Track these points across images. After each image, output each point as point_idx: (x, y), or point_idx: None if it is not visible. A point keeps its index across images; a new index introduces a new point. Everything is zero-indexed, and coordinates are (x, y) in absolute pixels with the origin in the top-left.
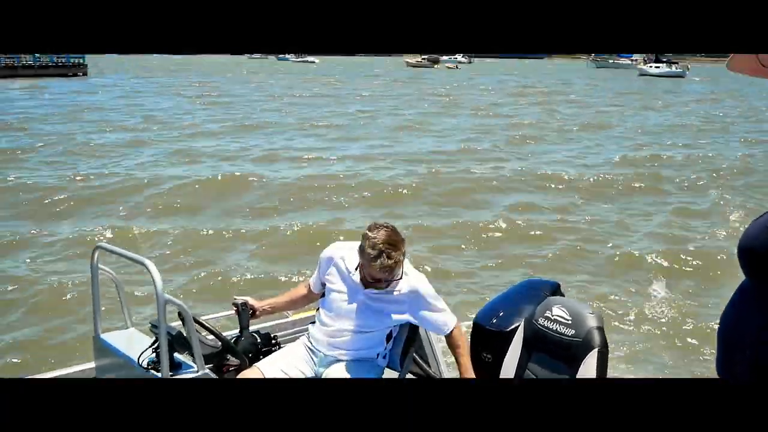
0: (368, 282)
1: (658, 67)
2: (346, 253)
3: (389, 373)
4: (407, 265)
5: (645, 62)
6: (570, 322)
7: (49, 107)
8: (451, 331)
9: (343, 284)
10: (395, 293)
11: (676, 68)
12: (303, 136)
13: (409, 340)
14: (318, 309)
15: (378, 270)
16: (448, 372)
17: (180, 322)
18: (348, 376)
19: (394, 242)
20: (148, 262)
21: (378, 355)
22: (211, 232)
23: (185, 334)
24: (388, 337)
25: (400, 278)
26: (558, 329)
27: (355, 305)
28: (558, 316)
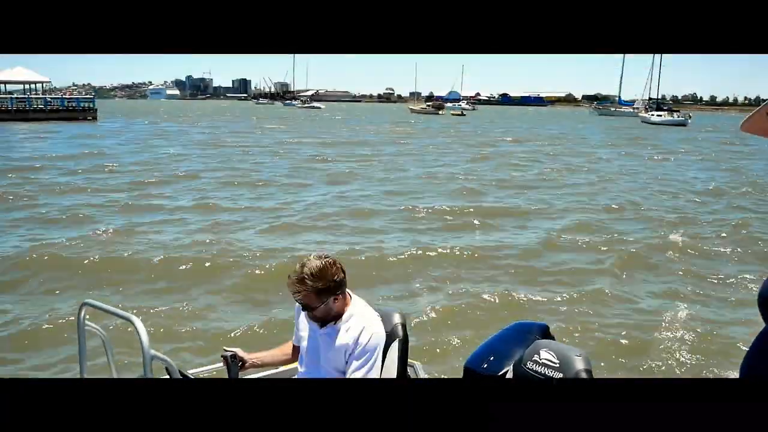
0: (312, 318)
1: (660, 115)
2: None
3: None
4: (360, 307)
5: (646, 110)
6: (558, 365)
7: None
8: None
9: (306, 328)
10: (344, 333)
11: (678, 116)
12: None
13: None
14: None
15: (292, 292)
16: None
17: (168, 377)
18: None
19: (317, 272)
20: (134, 318)
21: None
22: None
23: None
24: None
25: (342, 316)
26: (546, 372)
27: (311, 348)
28: (546, 359)
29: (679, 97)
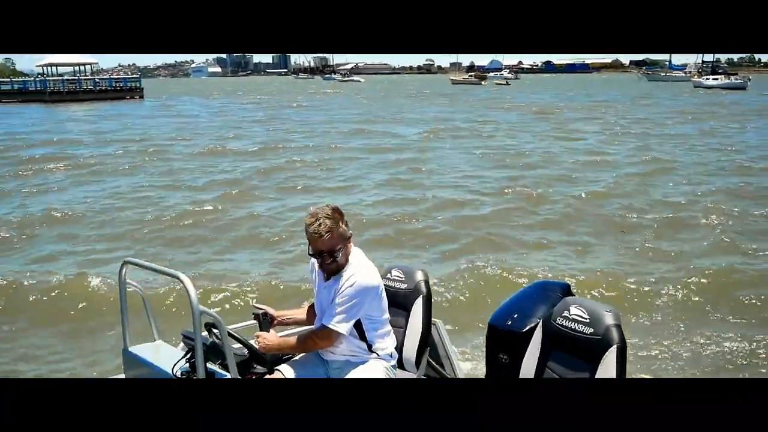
0: (324, 266)
1: (716, 78)
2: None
3: (405, 376)
4: (358, 257)
5: (700, 74)
6: (588, 320)
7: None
8: (327, 329)
9: (316, 285)
10: (341, 283)
11: (735, 79)
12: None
13: (422, 342)
14: None
15: (314, 237)
16: (463, 375)
17: (206, 333)
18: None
19: (329, 214)
20: (181, 275)
21: (372, 352)
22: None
23: (218, 344)
24: (358, 328)
25: (345, 263)
26: (576, 328)
27: (319, 301)
28: (576, 315)
29: (735, 60)
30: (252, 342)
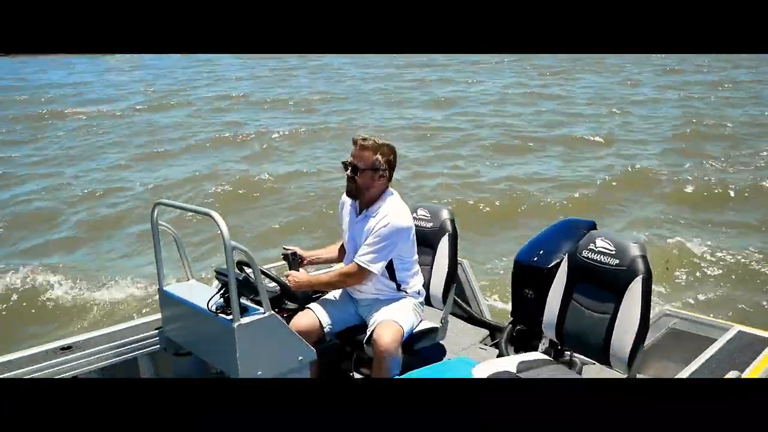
0: (360, 203)
1: None
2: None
3: (433, 312)
4: (395, 200)
5: None
6: (614, 252)
7: None
8: (360, 266)
9: (347, 221)
10: (373, 219)
11: None
12: None
13: (449, 280)
14: None
15: (358, 148)
16: (490, 314)
17: (239, 271)
18: (388, 317)
19: (381, 143)
20: (213, 212)
21: (401, 291)
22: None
23: (251, 279)
24: (389, 268)
25: (377, 203)
26: (602, 260)
27: (351, 236)
28: (602, 247)
29: None
30: (283, 279)
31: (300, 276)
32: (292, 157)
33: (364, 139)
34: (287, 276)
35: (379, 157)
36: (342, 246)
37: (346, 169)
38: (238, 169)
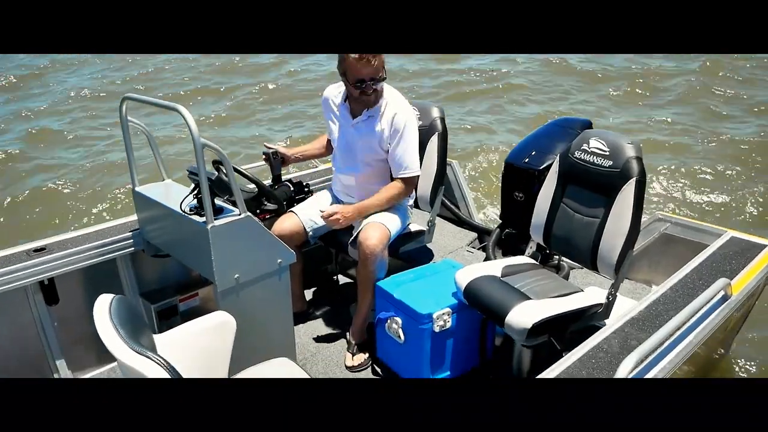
0: (356, 104)
1: None
2: (334, 92)
3: (420, 215)
4: (395, 93)
5: None
6: (608, 153)
7: None
8: (404, 178)
9: (337, 123)
10: (379, 120)
11: None
12: None
13: (437, 181)
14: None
15: (358, 61)
16: (478, 217)
17: (215, 172)
18: (375, 219)
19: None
20: (179, 107)
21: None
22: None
23: (224, 179)
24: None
25: (381, 94)
26: (595, 161)
27: (346, 143)
28: (596, 148)
29: None
30: (321, 216)
31: (346, 209)
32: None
33: (373, 56)
34: (332, 214)
35: (383, 62)
36: (327, 141)
37: (364, 88)
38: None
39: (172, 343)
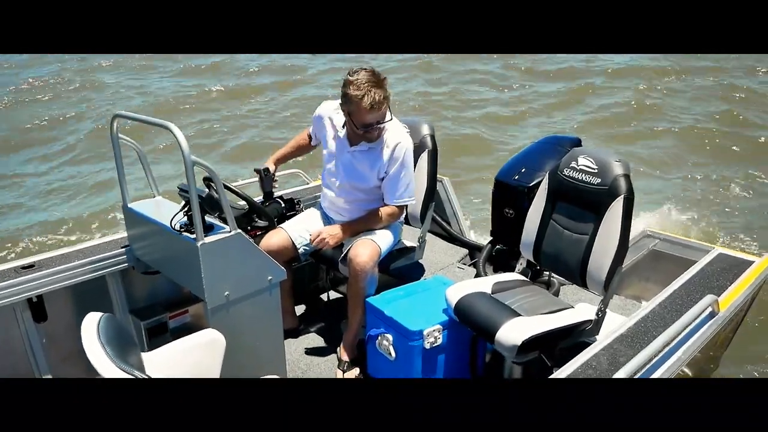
0: (355, 135)
1: None
2: (333, 114)
3: (411, 231)
4: (395, 123)
5: None
6: (596, 170)
7: None
8: (398, 205)
9: (333, 144)
10: (379, 151)
11: None
12: None
13: (427, 197)
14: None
15: (368, 110)
16: (468, 232)
17: (206, 189)
18: (365, 236)
19: (377, 81)
20: (170, 124)
21: None
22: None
23: (214, 196)
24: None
25: (384, 129)
26: (584, 179)
27: (341, 166)
28: (584, 165)
29: None
30: (309, 239)
31: (334, 229)
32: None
33: (373, 96)
34: (318, 235)
35: (387, 93)
36: (306, 142)
37: (369, 131)
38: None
39: (161, 361)
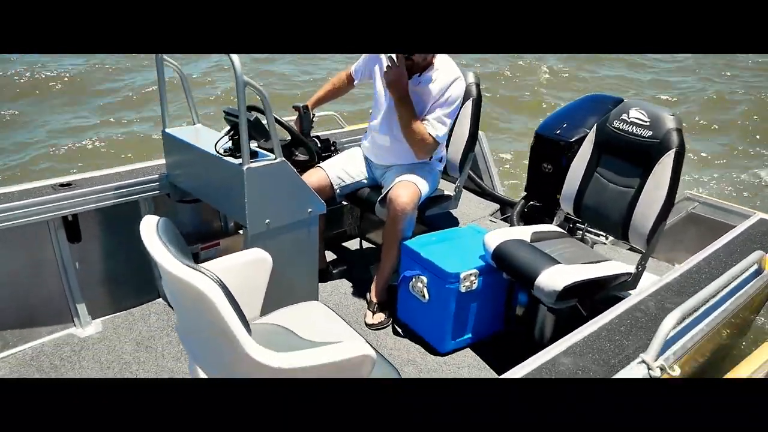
0: (411, 68)
1: None
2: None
3: (444, 184)
4: (447, 60)
5: None
6: (648, 123)
7: None
8: (430, 133)
9: (382, 83)
10: (429, 85)
11: None
12: None
13: (467, 149)
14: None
15: None
16: (503, 190)
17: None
18: (406, 179)
19: None
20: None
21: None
22: None
23: (262, 121)
24: None
25: (432, 65)
26: (634, 131)
27: (390, 103)
28: (636, 118)
29: None
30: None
31: (399, 72)
32: None
33: None
34: (387, 70)
35: None
36: (345, 82)
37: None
38: None
39: (214, 271)
